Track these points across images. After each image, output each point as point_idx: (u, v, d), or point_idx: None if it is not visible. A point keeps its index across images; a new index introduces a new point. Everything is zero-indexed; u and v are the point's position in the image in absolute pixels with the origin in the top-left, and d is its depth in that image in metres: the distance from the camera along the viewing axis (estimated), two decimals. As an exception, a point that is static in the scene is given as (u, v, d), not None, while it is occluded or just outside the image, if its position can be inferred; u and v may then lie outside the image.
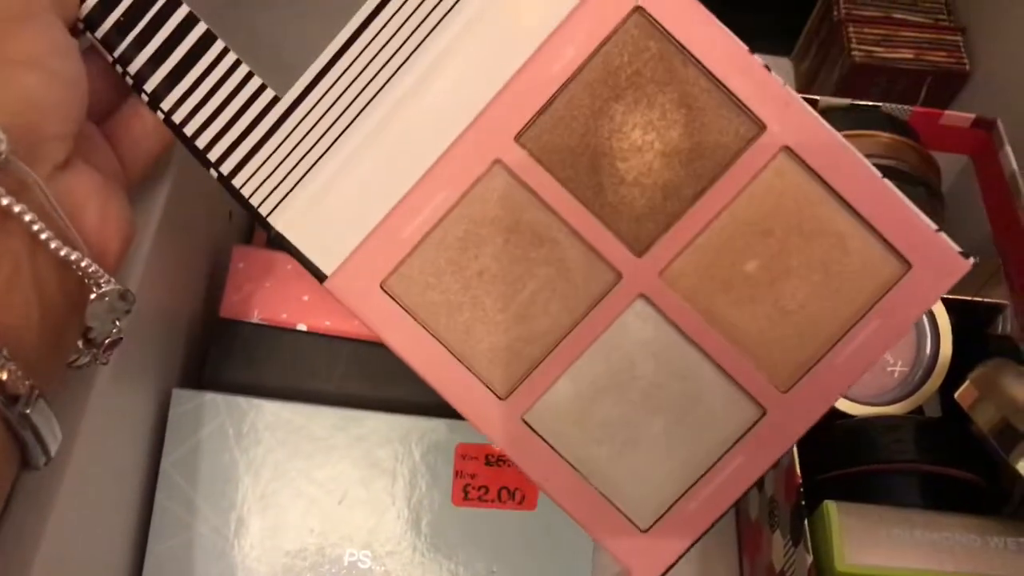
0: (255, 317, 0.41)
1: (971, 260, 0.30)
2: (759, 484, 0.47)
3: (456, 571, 0.39)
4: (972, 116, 0.52)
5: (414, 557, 0.39)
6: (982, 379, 0.41)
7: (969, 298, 0.47)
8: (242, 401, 0.39)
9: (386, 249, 0.31)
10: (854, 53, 0.60)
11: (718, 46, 0.30)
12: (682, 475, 0.31)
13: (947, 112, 0.52)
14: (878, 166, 0.30)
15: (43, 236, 0.26)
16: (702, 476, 0.31)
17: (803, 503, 0.39)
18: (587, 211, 0.31)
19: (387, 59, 0.31)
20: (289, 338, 0.41)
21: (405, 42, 0.31)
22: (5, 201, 0.25)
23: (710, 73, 0.30)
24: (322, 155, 0.31)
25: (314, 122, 0.31)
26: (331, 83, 0.31)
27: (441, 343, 0.31)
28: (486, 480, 0.39)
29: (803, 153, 0.30)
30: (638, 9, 0.30)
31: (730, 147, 0.30)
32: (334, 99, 0.31)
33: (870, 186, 0.30)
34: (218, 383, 0.40)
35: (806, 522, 0.39)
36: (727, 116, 0.30)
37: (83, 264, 0.27)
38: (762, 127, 0.30)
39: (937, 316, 0.46)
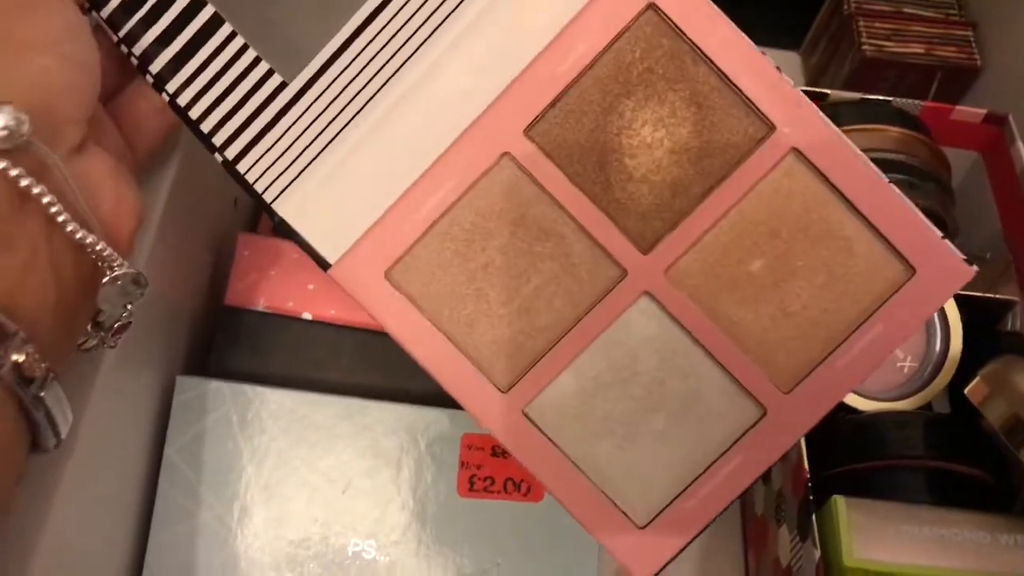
0: (260, 305, 0.41)
1: (974, 267, 0.30)
2: (765, 478, 0.47)
3: (461, 563, 0.39)
4: (983, 112, 0.52)
5: (419, 548, 0.38)
6: (993, 375, 0.41)
7: (980, 294, 0.46)
8: (247, 389, 0.39)
9: (391, 238, 0.31)
10: (864, 47, 0.60)
11: (730, 46, 0.30)
12: (681, 473, 0.31)
13: (958, 107, 0.52)
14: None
15: (60, 219, 0.26)
16: (701, 474, 0.31)
17: (811, 498, 0.39)
18: (594, 207, 0.31)
19: (397, 48, 0.30)
20: (294, 327, 0.41)
21: (416, 31, 0.30)
22: (25, 183, 0.25)
23: (721, 72, 0.30)
24: (329, 142, 0.31)
25: (322, 108, 0.31)
26: (340, 70, 0.31)
27: (444, 334, 0.31)
28: (492, 471, 0.39)
29: (812, 155, 0.30)
30: (652, 6, 0.30)
31: (739, 146, 0.30)
32: (343, 86, 0.31)
33: (877, 191, 0.30)
34: (223, 371, 0.40)
35: (814, 517, 0.39)
36: (737, 116, 0.30)
37: (98, 247, 0.27)
38: (771, 128, 0.30)
39: (947, 312, 0.45)
